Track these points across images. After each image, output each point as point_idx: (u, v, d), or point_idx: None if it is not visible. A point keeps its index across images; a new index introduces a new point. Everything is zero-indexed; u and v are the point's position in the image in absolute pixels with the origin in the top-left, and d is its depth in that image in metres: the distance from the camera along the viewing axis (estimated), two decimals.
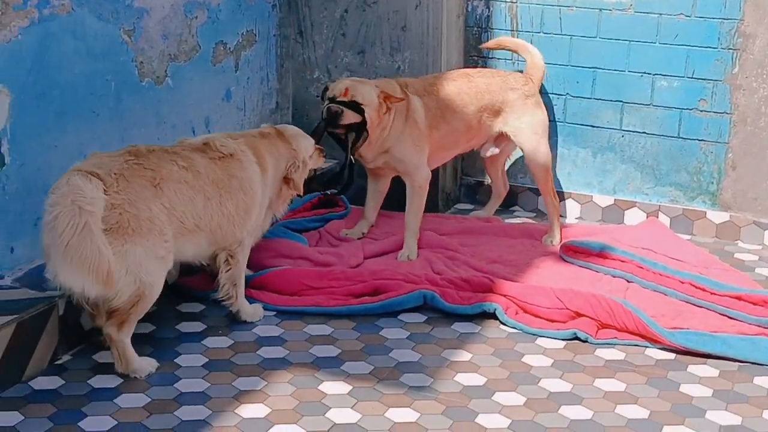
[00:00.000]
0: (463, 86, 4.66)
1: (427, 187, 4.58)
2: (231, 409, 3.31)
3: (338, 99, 4.35)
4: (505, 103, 4.73)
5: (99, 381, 3.45)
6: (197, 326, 3.90)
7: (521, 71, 4.96)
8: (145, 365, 3.52)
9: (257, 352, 3.71)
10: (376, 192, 4.79)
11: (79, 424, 3.19)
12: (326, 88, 4.48)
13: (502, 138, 4.85)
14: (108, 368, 3.53)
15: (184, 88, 4.50)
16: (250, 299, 4.05)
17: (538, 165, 4.79)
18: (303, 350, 3.74)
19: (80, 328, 3.66)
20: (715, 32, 4.84)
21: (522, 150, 4.83)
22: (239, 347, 3.75)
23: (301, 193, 4.14)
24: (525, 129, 4.75)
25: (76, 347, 3.65)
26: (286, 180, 4.05)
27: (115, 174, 3.40)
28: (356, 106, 4.33)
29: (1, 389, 3.33)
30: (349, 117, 4.33)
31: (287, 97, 5.33)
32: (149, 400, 3.34)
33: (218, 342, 3.78)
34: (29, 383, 3.41)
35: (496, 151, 4.94)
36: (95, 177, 3.34)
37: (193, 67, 4.54)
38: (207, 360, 3.64)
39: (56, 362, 3.56)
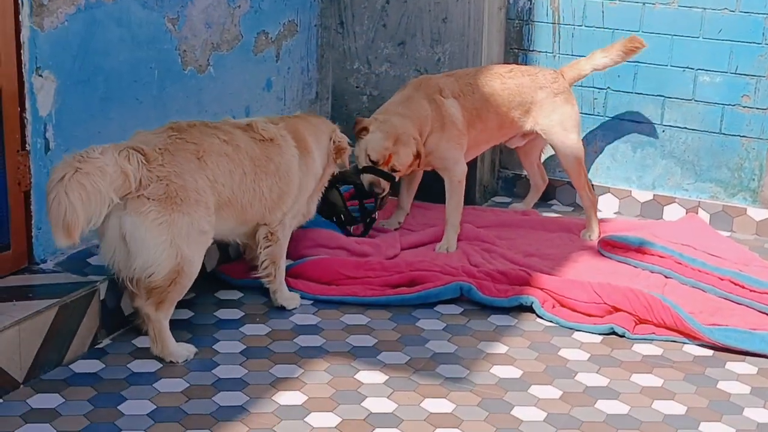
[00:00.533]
0: (496, 87, 4.66)
1: (464, 181, 4.60)
2: (268, 396, 3.33)
3: (380, 166, 4.40)
4: (534, 102, 4.73)
5: (138, 365, 3.49)
6: (235, 313, 3.94)
7: (554, 68, 4.95)
8: (182, 351, 3.55)
9: (294, 341, 3.73)
10: (411, 181, 4.80)
11: (118, 407, 3.23)
12: (363, 128, 4.43)
13: (530, 132, 4.85)
14: (147, 353, 3.57)
15: (226, 77, 4.53)
16: (288, 288, 4.08)
17: (570, 160, 4.78)
18: (340, 339, 3.76)
19: (121, 313, 3.71)
20: (760, 27, 4.79)
21: (552, 147, 4.83)
22: (276, 335, 3.77)
23: (348, 166, 4.28)
24: (554, 126, 4.75)
25: (117, 332, 3.70)
26: (336, 150, 4.14)
27: (159, 149, 3.45)
28: (391, 174, 4.44)
29: (42, 372, 3.38)
30: (386, 188, 4.47)
31: (327, 87, 5.34)
32: (188, 385, 3.38)
33: (256, 329, 3.81)
34: (70, 366, 3.46)
35: (522, 142, 4.94)
36: (138, 152, 3.39)
37: (235, 56, 4.57)
38: (245, 347, 3.67)
39: (97, 346, 3.60)
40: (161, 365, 3.50)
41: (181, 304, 3.94)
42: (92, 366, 3.47)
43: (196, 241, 3.49)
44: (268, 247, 3.90)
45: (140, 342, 3.65)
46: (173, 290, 3.48)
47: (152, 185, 3.38)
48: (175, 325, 3.78)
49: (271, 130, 3.84)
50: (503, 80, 4.69)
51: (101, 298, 3.59)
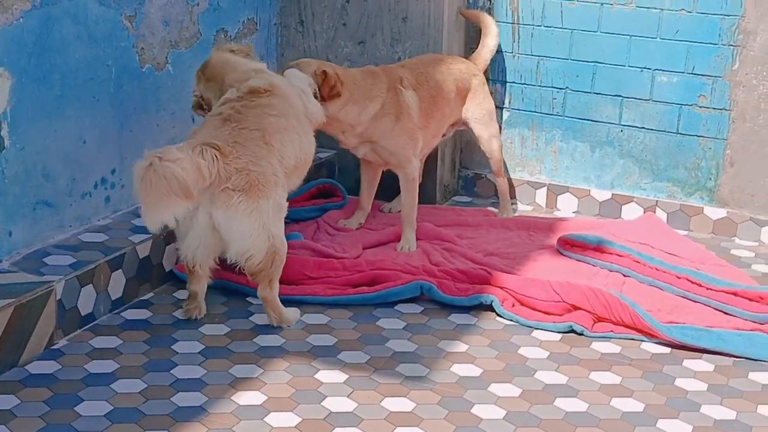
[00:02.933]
0: (445, 72, 4.72)
1: (418, 179, 4.62)
2: (227, 396, 3.31)
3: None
4: (470, 89, 4.84)
5: (95, 366, 3.45)
6: None
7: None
8: (293, 315, 3.86)
9: (254, 340, 3.71)
10: (370, 181, 4.78)
11: (75, 408, 3.19)
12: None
13: (458, 122, 4.94)
14: (104, 354, 3.53)
15: (185, 75, 4.49)
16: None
17: (496, 149, 4.93)
18: (300, 339, 3.74)
19: (77, 313, 3.66)
20: (716, 28, 4.84)
21: (479, 137, 4.91)
22: (236, 335, 3.75)
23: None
24: (485, 116, 4.88)
25: (73, 332, 3.65)
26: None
27: (231, 143, 3.65)
28: None
29: None
30: None
31: None
32: (145, 386, 3.35)
33: (215, 329, 3.78)
34: (26, 367, 3.41)
35: (448, 133, 5.03)
36: (212, 147, 3.57)
37: (194, 54, 4.54)
38: (204, 347, 3.64)
39: (53, 347, 3.56)
40: (118, 366, 3.46)
41: (138, 304, 3.92)
42: (48, 367, 3.43)
43: (279, 218, 3.75)
44: None
45: (97, 342, 3.61)
46: (275, 269, 3.75)
47: (234, 177, 3.59)
48: (132, 324, 3.76)
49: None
50: (448, 65, 4.76)
51: (57, 298, 3.55)
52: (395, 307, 4.05)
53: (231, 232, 3.64)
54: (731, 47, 4.83)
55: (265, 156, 3.70)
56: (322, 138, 4.50)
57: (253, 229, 3.64)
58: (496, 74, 5.24)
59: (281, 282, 4.10)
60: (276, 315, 3.81)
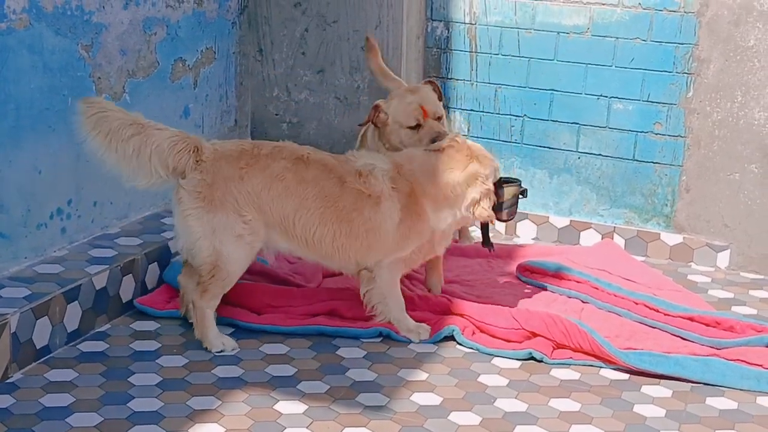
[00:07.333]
0: None
1: None
2: (185, 429, 3.28)
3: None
4: None
5: (51, 400, 3.41)
6: (152, 345, 3.87)
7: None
8: (219, 342, 3.80)
9: (212, 371, 3.68)
10: None
11: None
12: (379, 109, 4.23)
13: None
14: (60, 387, 3.48)
15: (142, 105, 4.47)
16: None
17: None
18: (259, 369, 3.72)
19: (32, 346, 3.61)
20: (671, 57, 4.91)
21: None
22: (194, 366, 3.72)
23: None
24: None
25: (28, 365, 3.60)
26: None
27: (217, 149, 3.83)
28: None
29: None
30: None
31: (246, 114, 5.32)
32: (102, 419, 3.30)
33: (173, 361, 3.75)
34: None
35: None
36: (194, 143, 3.76)
37: (152, 83, 4.52)
38: (161, 379, 3.60)
39: (7, 380, 3.50)
40: (74, 399, 3.41)
41: (95, 336, 3.88)
42: (3, 401, 3.37)
43: (232, 242, 3.72)
44: (370, 289, 3.98)
45: (52, 376, 3.56)
46: (213, 282, 3.74)
47: (190, 176, 3.70)
48: (89, 356, 3.71)
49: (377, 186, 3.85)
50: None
51: (12, 331, 3.50)
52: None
53: (175, 226, 3.81)
54: (686, 75, 4.90)
55: (231, 178, 3.79)
56: None
57: (190, 232, 3.75)
58: (454, 102, 5.28)
59: (244, 308, 4.09)
60: (199, 329, 3.81)
